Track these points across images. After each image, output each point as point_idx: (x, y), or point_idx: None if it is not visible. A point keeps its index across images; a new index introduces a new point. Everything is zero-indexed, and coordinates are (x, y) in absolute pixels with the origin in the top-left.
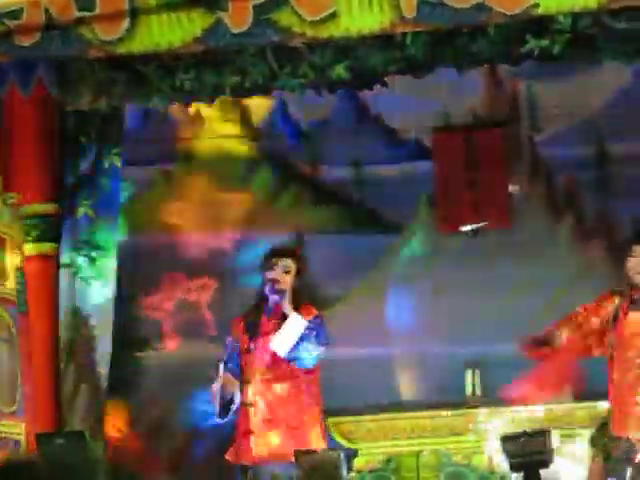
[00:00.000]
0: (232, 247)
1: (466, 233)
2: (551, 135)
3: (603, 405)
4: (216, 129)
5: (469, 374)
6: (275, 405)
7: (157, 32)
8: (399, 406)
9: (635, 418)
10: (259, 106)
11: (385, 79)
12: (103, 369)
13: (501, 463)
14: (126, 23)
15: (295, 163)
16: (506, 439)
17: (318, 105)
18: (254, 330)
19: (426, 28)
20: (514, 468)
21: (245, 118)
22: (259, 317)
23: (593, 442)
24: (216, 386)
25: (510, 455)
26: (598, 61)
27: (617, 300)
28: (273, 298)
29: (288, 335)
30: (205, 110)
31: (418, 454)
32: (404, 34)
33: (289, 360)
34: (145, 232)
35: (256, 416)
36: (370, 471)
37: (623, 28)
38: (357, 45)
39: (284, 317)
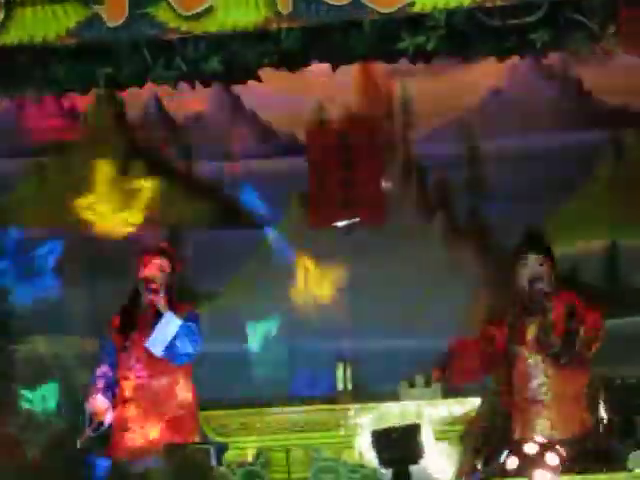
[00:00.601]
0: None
1: (339, 230)
2: (424, 133)
3: (473, 402)
4: (91, 121)
5: (340, 369)
6: (153, 400)
7: (31, 24)
8: (270, 401)
9: (535, 424)
10: (134, 99)
11: (259, 74)
12: None
13: (372, 458)
14: (0, 15)
15: (169, 157)
16: (376, 434)
17: (192, 99)
18: (129, 327)
19: (301, 24)
20: (384, 463)
21: (119, 111)
22: (133, 314)
23: (462, 438)
24: (89, 407)
25: (380, 450)
26: (471, 58)
27: (510, 311)
28: (147, 296)
29: (162, 333)
30: (80, 103)
31: (288, 449)
32: (279, 29)
33: (165, 357)
34: (18, 224)
35: (133, 412)
36: (240, 465)
37: (496, 25)
38: (231, 39)
39: (158, 314)
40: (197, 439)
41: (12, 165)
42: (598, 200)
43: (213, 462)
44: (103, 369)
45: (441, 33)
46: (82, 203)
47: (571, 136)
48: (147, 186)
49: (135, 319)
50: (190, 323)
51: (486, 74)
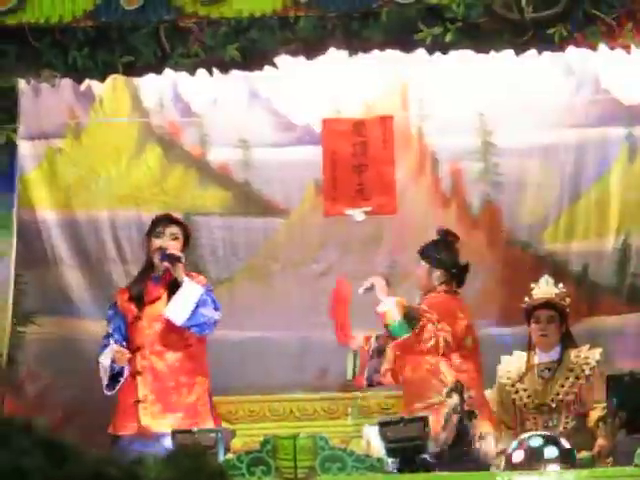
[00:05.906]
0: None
1: (352, 217)
2: (439, 124)
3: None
4: (107, 107)
5: (350, 358)
6: (166, 374)
7: (48, 4)
8: (279, 388)
9: None
10: (150, 85)
11: (276, 62)
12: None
13: (379, 448)
14: None
15: (183, 143)
16: (384, 424)
17: (209, 86)
18: (141, 298)
19: (319, 12)
20: (391, 453)
21: (136, 97)
22: (144, 285)
23: None
24: (105, 359)
25: (387, 440)
26: (489, 51)
27: None
28: (164, 265)
29: (184, 302)
30: (97, 87)
31: (295, 437)
32: (297, 16)
33: (187, 327)
34: (37, 208)
35: (145, 386)
36: (247, 452)
37: (514, 19)
38: (249, 26)
39: (172, 284)
40: (209, 423)
41: (32, 148)
42: (611, 197)
43: (220, 449)
44: (115, 337)
45: (459, 25)
46: (96, 187)
47: (587, 132)
48: (161, 171)
49: (147, 289)
50: (209, 292)
51: (502, 67)
